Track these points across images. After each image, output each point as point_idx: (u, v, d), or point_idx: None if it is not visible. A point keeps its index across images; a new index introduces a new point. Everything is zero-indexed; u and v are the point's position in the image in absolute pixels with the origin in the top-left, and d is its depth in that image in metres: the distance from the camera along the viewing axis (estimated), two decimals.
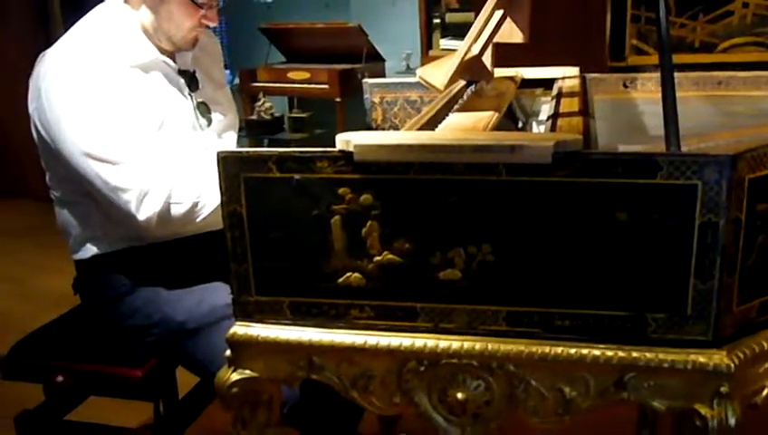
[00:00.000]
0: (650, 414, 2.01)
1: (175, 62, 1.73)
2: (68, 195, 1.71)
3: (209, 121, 1.79)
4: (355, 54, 5.14)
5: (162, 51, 1.70)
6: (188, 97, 1.75)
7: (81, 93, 1.54)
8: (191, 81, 1.76)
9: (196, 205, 1.58)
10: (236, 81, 5.63)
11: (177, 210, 1.57)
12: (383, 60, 5.33)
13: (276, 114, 5.56)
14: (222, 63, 1.97)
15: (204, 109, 1.78)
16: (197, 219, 1.59)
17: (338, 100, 5.10)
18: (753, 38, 2.41)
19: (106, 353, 1.76)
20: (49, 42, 1.66)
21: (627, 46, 2.44)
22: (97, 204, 1.64)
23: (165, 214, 1.56)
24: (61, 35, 1.67)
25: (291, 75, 5.36)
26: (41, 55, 1.63)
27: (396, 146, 1.09)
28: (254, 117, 5.45)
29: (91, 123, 1.54)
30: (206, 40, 1.84)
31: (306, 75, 5.29)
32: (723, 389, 1.06)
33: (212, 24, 1.70)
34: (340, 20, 5.42)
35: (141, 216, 1.55)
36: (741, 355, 1.08)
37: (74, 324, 1.90)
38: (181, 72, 1.74)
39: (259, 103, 5.44)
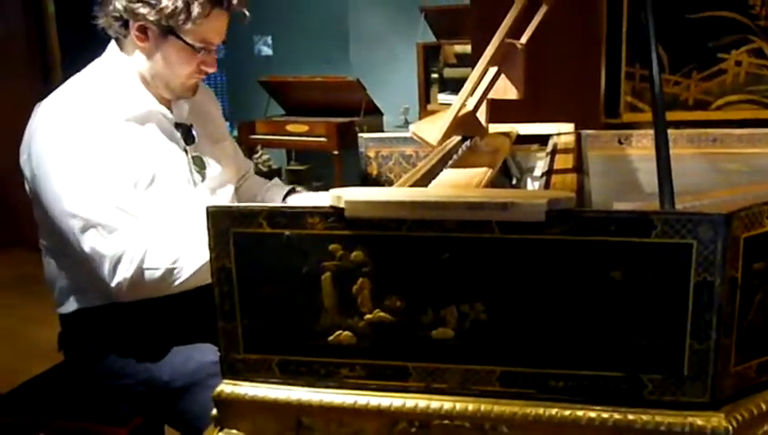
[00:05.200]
0: None
1: (172, 113, 1.69)
2: (55, 245, 1.66)
3: (203, 177, 1.73)
4: (354, 108, 5.20)
5: (160, 100, 1.66)
6: (183, 151, 1.70)
7: (66, 149, 1.51)
8: (187, 134, 1.71)
9: (172, 271, 1.48)
10: (235, 133, 5.67)
11: (150, 276, 1.48)
12: (381, 113, 5.38)
13: (274, 166, 5.59)
14: (221, 118, 1.93)
15: (199, 163, 1.73)
16: (174, 284, 1.50)
17: (336, 153, 5.13)
18: (747, 96, 2.44)
19: (90, 411, 1.72)
20: (48, 94, 1.65)
21: (621, 103, 2.46)
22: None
23: (137, 280, 1.48)
24: None
25: (289, 128, 5.40)
26: (36, 106, 1.61)
27: (387, 203, 1.08)
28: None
29: (73, 181, 1.50)
30: (203, 97, 1.80)
31: (304, 128, 5.33)
32: None
33: (210, 71, 1.65)
34: (341, 74, 5.47)
35: (113, 282, 1.49)
36: (740, 417, 1.05)
37: (58, 381, 1.85)
38: (177, 126, 1.70)
39: (257, 155, 5.48)
